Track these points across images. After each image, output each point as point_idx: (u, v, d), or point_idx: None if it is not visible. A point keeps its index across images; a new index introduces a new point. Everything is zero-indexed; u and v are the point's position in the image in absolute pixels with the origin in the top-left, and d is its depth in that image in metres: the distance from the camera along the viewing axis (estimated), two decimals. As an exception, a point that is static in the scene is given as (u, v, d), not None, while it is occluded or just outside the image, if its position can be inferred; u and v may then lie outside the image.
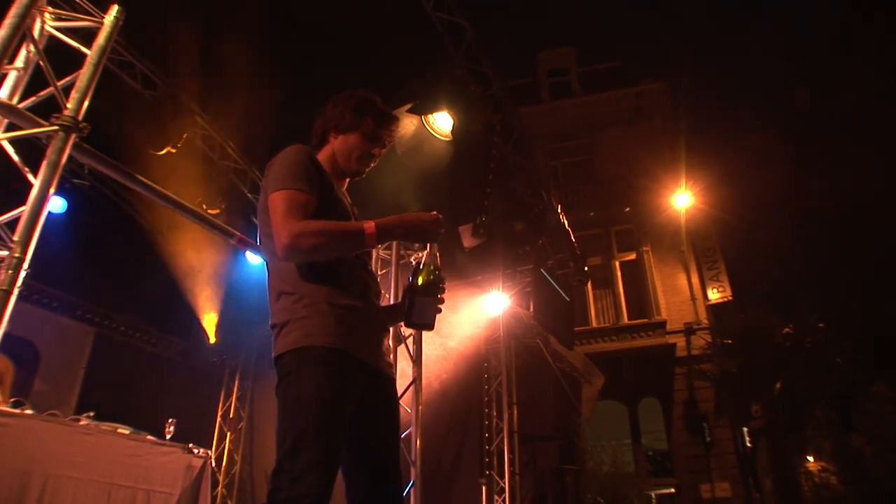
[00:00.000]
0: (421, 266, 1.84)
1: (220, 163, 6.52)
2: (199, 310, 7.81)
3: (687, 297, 14.99)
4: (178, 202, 3.71)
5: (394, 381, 1.94)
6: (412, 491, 4.69)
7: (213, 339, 8.10)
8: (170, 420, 4.20)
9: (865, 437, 14.20)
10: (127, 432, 3.68)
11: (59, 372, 7.29)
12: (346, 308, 1.74)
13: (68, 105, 2.56)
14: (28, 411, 3.33)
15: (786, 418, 13.15)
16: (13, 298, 2.20)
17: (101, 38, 2.76)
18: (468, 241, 6.59)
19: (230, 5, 5.25)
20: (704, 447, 13.22)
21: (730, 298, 14.68)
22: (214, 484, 7.44)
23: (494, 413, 8.24)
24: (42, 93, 2.72)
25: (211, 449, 7.83)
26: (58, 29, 2.86)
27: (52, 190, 2.42)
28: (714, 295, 14.84)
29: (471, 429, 7.94)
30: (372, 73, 4.82)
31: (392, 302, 5.15)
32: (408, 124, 5.58)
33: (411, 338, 5.38)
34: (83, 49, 2.77)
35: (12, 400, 4.06)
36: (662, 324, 14.84)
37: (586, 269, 8.72)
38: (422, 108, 5.62)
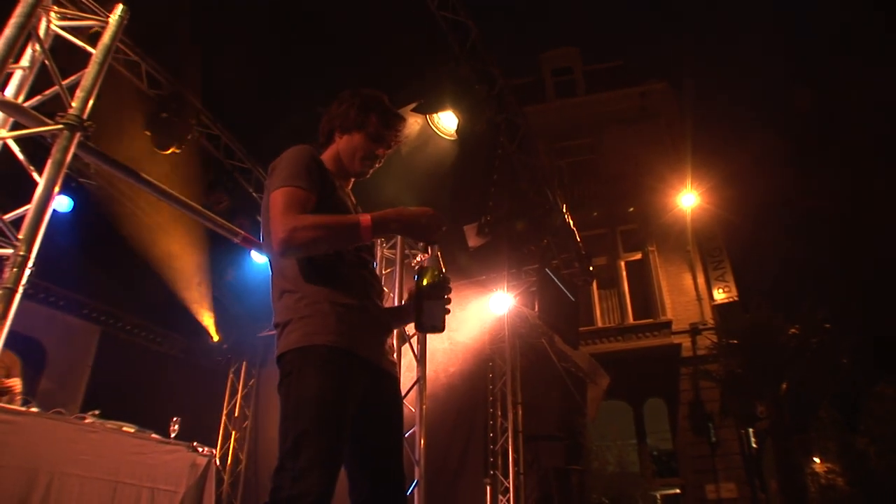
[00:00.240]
0: (424, 269, 1.82)
1: (225, 162, 6.54)
2: (198, 308, 7.84)
3: (692, 297, 14.95)
4: (182, 200, 3.72)
5: (397, 379, 1.93)
6: (416, 490, 4.69)
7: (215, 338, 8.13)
8: (174, 419, 4.22)
9: (869, 438, 14.13)
10: (132, 430, 3.70)
11: (65, 370, 7.32)
12: (347, 307, 1.74)
13: (73, 104, 2.57)
14: (34, 409, 3.35)
15: (791, 419, 13.09)
16: (18, 296, 2.21)
17: (105, 38, 2.76)
18: (473, 241, 6.60)
19: (234, 4, 5.26)
20: (710, 447, 13.18)
21: (735, 298, 14.63)
22: (219, 482, 7.46)
23: (499, 413, 8.23)
24: (47, 92, 2.73)
25: (216, 447, 7.86)
26: (63, 28, 2.87)
27: (56, 188, 2.43)
28: (720, 295, 14.79)
29: (475, 428, 7.93)
30: (376, 72, 4.82)
31: (397, 302, 5.15)
32: (412, 123, 5.58)
33: (416, 337, 5.37)
34: (88, 48, 2.78)
35: (20, 397, 4.09)
36: (668, 324, 14.80)
37: (591, 268, 8.70)
38: (426, 108, 5.62)
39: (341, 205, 1.88)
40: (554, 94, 18.53)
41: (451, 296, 1.85)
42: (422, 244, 1.85)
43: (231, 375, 8.82)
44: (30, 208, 2.36)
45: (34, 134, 2.55)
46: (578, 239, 8.17)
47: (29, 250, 2.26)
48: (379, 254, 5.29)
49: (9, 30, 2.41)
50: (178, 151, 5.61)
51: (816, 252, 19.06)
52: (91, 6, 2.96)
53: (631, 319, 15.25)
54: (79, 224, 6.55)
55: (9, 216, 2.37)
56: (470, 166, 6.28)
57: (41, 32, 2.76)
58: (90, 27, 2.88)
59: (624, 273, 15.90)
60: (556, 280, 7.72)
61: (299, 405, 1.58)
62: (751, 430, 13.52)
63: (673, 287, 15.21)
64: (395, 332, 2.01)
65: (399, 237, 5.28)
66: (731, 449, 13.24)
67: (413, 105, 5.44)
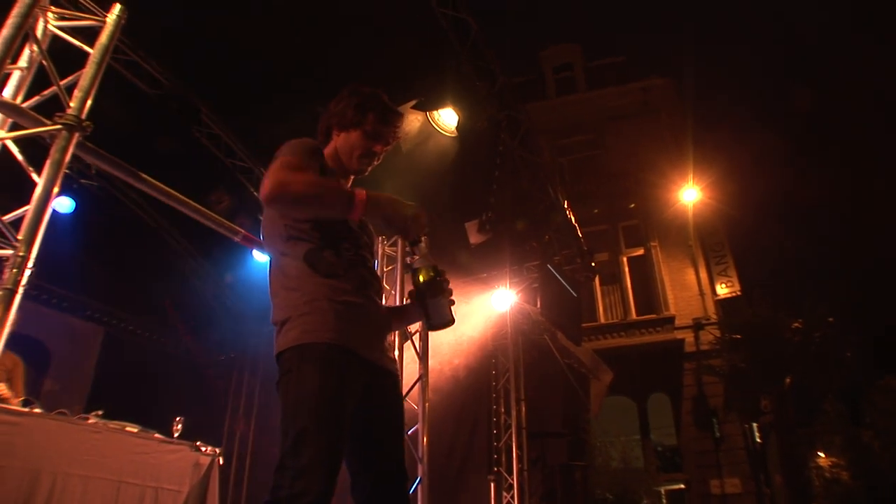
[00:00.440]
0: (417, 269, 1.81)
1: (225, 161, 6.54)
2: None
3: (695, 292, 14.92)
4: (182, 200, 3.71)
5: (397, 377, 1.92)
6: (419, 488, 4.69)
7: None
8: (178, 418, 4.22)
9: (874, 431, 14.11)
10: (135, 430, 3.70)
11: (69, 371, 7.35)
12: (345, 304, 1.73)
13: (71, 104, 2.56)
14: (37, 410, 3.35)
15: (795, 413, 13.07)
16: (18, 297, 2.21)
17: (103, 37, 2.76)
18: (474, 238, 6.59)
19: (235, 4, 5.25)
20: (714, 442, 13.16)
21: (738, 293, 14.60)
22: (223, 482, 7.47)
23: (503, 409, 8.24)
24: (45, 92, 2.73)
25: (220, 447, 7.86)
26: (61, 28, 2.86)
27: (55, 189, 2.43)
28: (722, 290, 14.76)
29: (479, 425, 7.94)
30: (376, 69, 4.81)
31: (398, 301, 5.14)
32: (413, 121, 5.57)
33: (418, 334, 5.37)
34: (86, 48, 2.77)
35: (22, 398, 4.09)
36: (671, 319, 14.78)
37: (593, 264, 8.69)
38: (427, 105, 5.61)
39: None
40: (555, 91, 18.49)
41: (450, 286, 1.84)
42: (410, 243, 1.83)
43: (235, 374, 8.83)
44: (29, 209, 2.36)
45: (33, 134, 2.55)
46: (580, 235, 8.16)
47: (28, 251, 2.26)
48: (380, 252, 5.28)
49: (6, 30, 2.41)
50: (179, 151, 5.60)
51: (819, 246, 19.03)
52: (88, 6, 2.96)
53: (634, 315, 15.23)
54: (81, 225, 6.56)
55: (8, 217, 2.37)
56: (471, 163, 6.28)
57: (38, 33, 2.75)
58: (88, 27, 2.87)
59: (626, 269, 15.87)
60: (558, 276, 7.71)
61: (298, 403, 1.58)
62: (755, 424, 13.50)
63: (675, 282, 15.19)
64: (394, 330, 2.00)
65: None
66: (735, 444, 13.22)
67: (413, 102, 5.43)
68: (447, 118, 5.74)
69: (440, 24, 5.23)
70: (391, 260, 5.44)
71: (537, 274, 7.85)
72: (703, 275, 15.05)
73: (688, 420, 13.91)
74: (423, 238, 1.81)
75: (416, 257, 1.82)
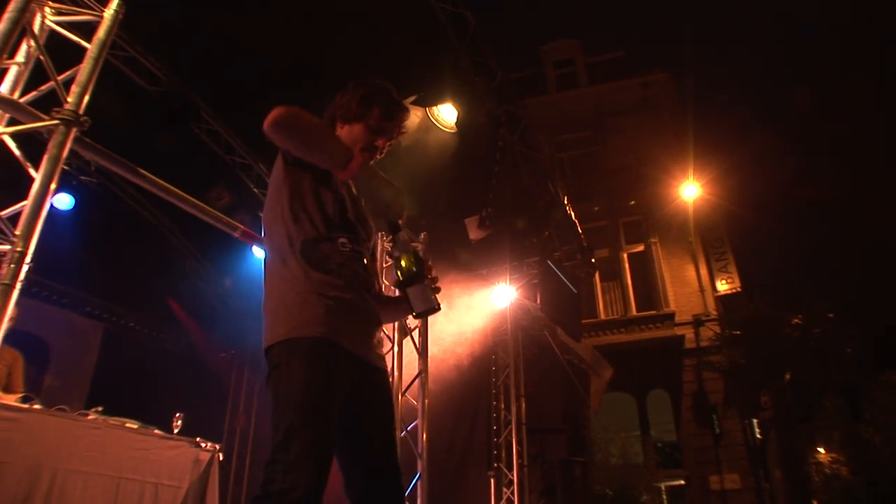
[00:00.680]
0: (396, 258, 1.81)
1: (225, 158, 6.53)
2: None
3: (695, 288, 14.92)
4: (180, 195, 3.71)
5: (386, 373, 1.91)
6: (419, 483, 4.70)
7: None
8: (177, 414, 4.22)
9: (874, 427, 14.12)
10: (135, 426, 3.70)
11: (69, 367, 7.36)
12: (336, 300, 1.72)
13: (69, 99, 2.55)
14: (37, 406, 3.35)
15: (795, 409, 13.08)
16: (15, 292, 2.20)
17: (101, 32, 2.75)
18: (474, 233, 6.59)
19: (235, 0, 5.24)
20: (714, 438, 13.18)
21: (738, 289, 14.60)
22: (223, 478, 7.48)
23: (502, 405, 8.24)
24: (43, 87, 2.72)
25: (220, 443, 7.87)
26: (58, 23, 2.85)
27: (53, 184, 2.42)
28: (722, 286, 14.76)
29: (479, 421, 7.94)
30: (375, 65, 4.80)
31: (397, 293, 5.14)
32: (412, 116, 5.55)
33: (417, 329, 5.37)
34: (83, 43, 2.77)
35: (21, 394, 4.09)
36: (671, 315, 14.78)
37: (593, 260, 8.68)
38: (426, 100, 5.60)
39: (338, 190, 1.87)
40: (555, 87, 18.46)
41: (434, 273, 1.84)
42: (389, 231, 1.82)
43: (235, 371, 8.83)
44: (26, 204, 2.35)
45: (30, 129, 2.54)
46: (580, 231, 8.15)
47: (26, 246, 2.25)
48: (380, 247, 5.27)
49: (2, 25, 2.40)
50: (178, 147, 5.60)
51: (820, 242, 19.02)
52: (86, 1, 2.95)
53: (634, 311, 15.23)
54: (81, 222, 6.56)
55: (6, 212, 2.37)
56: (470, 159, 6.27)
57: (36, 28, 2.74)
58: (85, 22, 2.86)
59: (626, 265, 15.87)
60: (558, 272, 7.71)
61: (287, 397, 1.58)
62: (755, 420, 13.52)
63: (676, 278, 15.19)
64: (383, 325, 1.99)
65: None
66: (734, 440, 13.24)
67: (412, 98, 5.42)
68: (446, 114, 5.73)
69: (438, 19, 5.21)
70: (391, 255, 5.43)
71: (537, 270, 7.85)
72: (704, 271, 15.05)
73: (687, 416, 13.93)
74: (402, 227, 1.81)
75: (394, 246, 1.82)
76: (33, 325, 6.48)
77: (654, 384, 14.77)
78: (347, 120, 1.95)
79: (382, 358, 1.91)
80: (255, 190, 6.73)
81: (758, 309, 13.44)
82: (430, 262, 1.82)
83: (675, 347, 14.38)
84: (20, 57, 2.76)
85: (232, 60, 5.46)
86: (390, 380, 4.82)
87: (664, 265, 15.39)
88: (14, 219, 2.36)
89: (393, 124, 1.96)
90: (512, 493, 7.59)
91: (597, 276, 13.80)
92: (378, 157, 1.99)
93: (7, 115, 2.63)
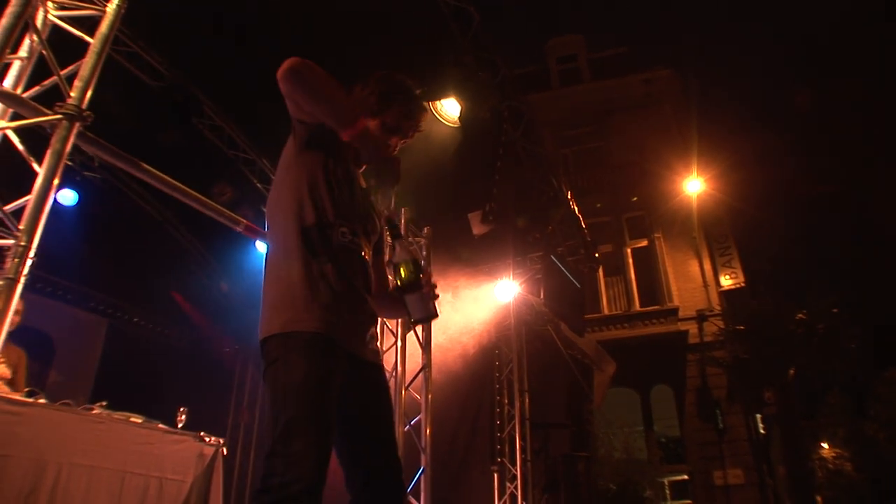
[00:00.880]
0: (395, 265, 1.83)
1: (228, 153, 6.53)
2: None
3: (699, 283, 14.89)
4: (183, 189, 3.71)
5: (381, 369, 1.91)
6: (422, 478, 4.70)
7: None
8: (181, 409, 4.23)
9: (878, 423, 14.10)
10: (139, 421, 3.71)
11: (73, 363, 7.39)
12: (333, 294, 1.72)
13: (72, 94, 2.55)
14: (41, 401, 3.36)
15: (799, 404, 13.06)
16: (20, 287, 2.21)
17: (103, 27, 2.75)
18: (477, 229, 6.58)
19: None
20: (717, 434, 13.17)
21: (742, 285, 14.56)
22: (227, 472, 7.51)
23: (506, 400, 8.25)
24: (46, 82, 2.72)
25: (224, 437, 7.90)
26: (60, 18, 2.85)
27: (56, 179, 2.42)
28: (726, 281, 14.73)
29: (482, 416, 7.95)
30: (378, 59, 4.79)
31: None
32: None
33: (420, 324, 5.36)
34: (86, 38, 2.76)
35: (27, 390, 4.10)
36: (674, 310, 14.75)
37: (597, 255, 8.67)
38: (429, 95, 5.59)
39: (346, 180, 1.87)
40: (559, 82, 18.41)
41: (433, 280, 1.84)
42: (391, 237, 1.86)
43: (239, 366, 8.86)
44: (30, 199, 2.36)
45: (33, 124, 2.55)
46: (584, 226, 8.14)
47: (30, 241, 2.26)
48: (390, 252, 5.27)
49: (5, 19, 2.40)
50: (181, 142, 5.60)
51: (824, 237, 18.95)
52: (89, -5, 2.95)
53: (637, 306, 15.21)
54: (85, 217, 6.58)
55: (9, 207, 2.37)
56: (474, 154, 6.26)
57: (38, 22, 2.74)
58: (88, 17, 2.86)
59: (630, 260, 15.85)
60: (561, 267, 7.70)
61: (287, 392, 1.58)
62: (758, 416, 13.51)
63: (679, 274, 15.16)
64: (383, 320, 2.00)
65: (402, 227, 5.27)
66: (738, 435, 13.23)
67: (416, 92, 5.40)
68: (449, 108, 5.72)
69: (442, 14, 5.20)
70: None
71: (540, 265, 7.84)
72: (707, 266, 15.02)
73: (691, 411, 13.92)
74: (403, 235, 1.82)
75: (395, 252, 1.83)
76: (38, 320, 6.51)
77: (658, 379, 14.76)
78: (363, 114, 1.94)
79: (378, 354, 1.91)
80: (258, 185, 6.73)
81: (762, 304, 13.42)
82: (430, 270, 1.83)
83: (679, 342, 14.36)
84: (23, 52, 2.76)
85: (234, 55, 5.45)
86: (395, 373, 4.85)
87: (668, 260, 15.36)
88: (18, 213, 2.36)
89: (410, 124, 1.96)
90: (515, 487, 7.60)
91: (600, 271, 13.79)
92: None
93: (10, 110, 2.64)
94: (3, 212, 2.33)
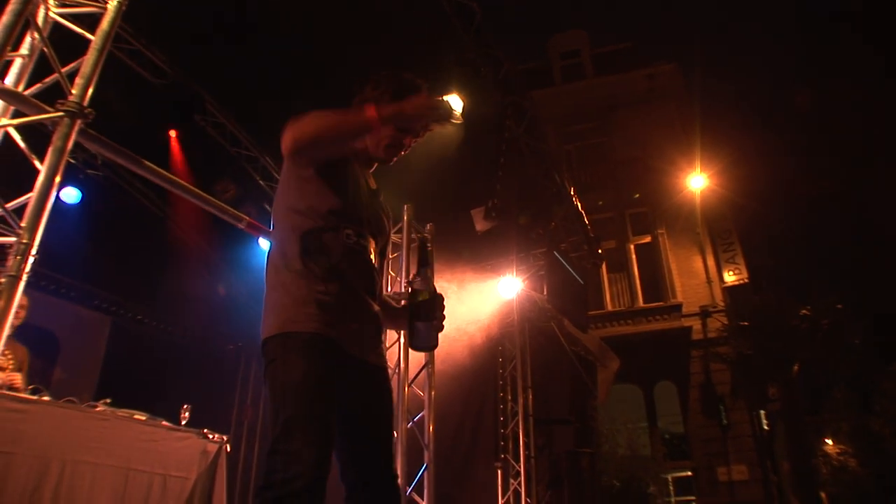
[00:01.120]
0: (416, 291, 1.82)
1: (230, 150, 6.53)
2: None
3: (702, 279, 14.86)
4: (185, 186, 3.71)
5: (385, 370, 1.91)
6: (425, 475, 4.70)
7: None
8: (185, 406, 4.23)
9: (884, 419, 14.05)
10: (143, 418, 3.72)
11: (78, 360, 7.40)
12: (333, 297, 1.72)
13: (73, 91, 2.55)
14: (45, 398, 3.37)
15: (803, 400, 13.02)
16: (22, 284, 2.21)
17: (104, 24, 2.74)
18: (480, 225, 6.57)
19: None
20: (721, 430, 13.15)
21: (746, 280, 14.53)
22: (231, 469, 7.53)
23: (509, 397, 8.24)
24: (47, 79, 2.72)
25: (228, 434, 7.92)
26: (61, 15, 2.85)
27: (58, 176, 2.42)
28: (730, 277, 14.69)
29: (485, 413, 7.95)
30: (380, 55, 4.78)
31: (402, 286, 5.14)
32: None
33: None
34: (87, 35, 2.76)
35: (31, 387, 4.11)
36: (678, 307, 14.72)
37: (600, 251, 8.66)
38: (432, 92, 5.57)
39: (353, 180, 1.86)
40: (561, 78, 18.35)
41: (459, 277, 1.85)
42: (419, 265, 1.86)
43: (242, 363, 8.87)
44: (32, 196, 2.36)
45: (35, 121, 2.54)
46: (587, 222, 8.12)
47: (32, 238, 2.26)
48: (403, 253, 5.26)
49: (6, 17, 2.40)
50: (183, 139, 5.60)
51: (827, 232, 18.89)
52: (90, -8, 2.94)
53: (641, 303, 15.19)
54: (88, 215, 6.59)
55: (11, 204, 2.37)
56: (477, 150, 6.25)
57: (39, 20, 2.74)
58: (89, 14, 2.86)
59: (633, 256, 15.82)
60: (564, 263, 7.68)
61: (286, 391, 1.59)
62: (762, 412, 13.48)
63: (683, 270, 15.12)
64: (385, 328, 2.00)
65: (405, 223, 5.27)
66: (742, 431, 13.21)
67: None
68: (452, 104, 5.70)
69: (444, 10, 5.19)
70: (396, 247, 5.43)
71: (544, 261, 7.83)
72: (711, 262, 14.98)
73: (695, 407, 13.90)
74: (430, 264, 1.84)
75: (420, 279, 1.84)
76: (42, 318, 6.52)
77: (662, 375, 14.73)
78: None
79: (381, 355, 1.90)
80: (260, 182, 6.74)
81: (765, 300, 13.38)
82: (444, 304, 1.84)
83: (683, 339, 14.34)
84: (24, 49, 2.76)
85: (235, 53, 5.46)
86: (398, 370, 4.84)
87: (671, 256, 15.32)
88: (20, 211, 2.36)
89: (422, 124, 1.96)
90: (519, 484, 7.60)
91: (604, 267, 13.77)
92: (402, 153, 1.99)
93: (12, 108, 2.64)
94: (6, 209, 2.33)
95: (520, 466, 7.66)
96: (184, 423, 4.12)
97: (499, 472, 7.61)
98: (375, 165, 2.03)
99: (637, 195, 15.91)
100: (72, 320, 7.40)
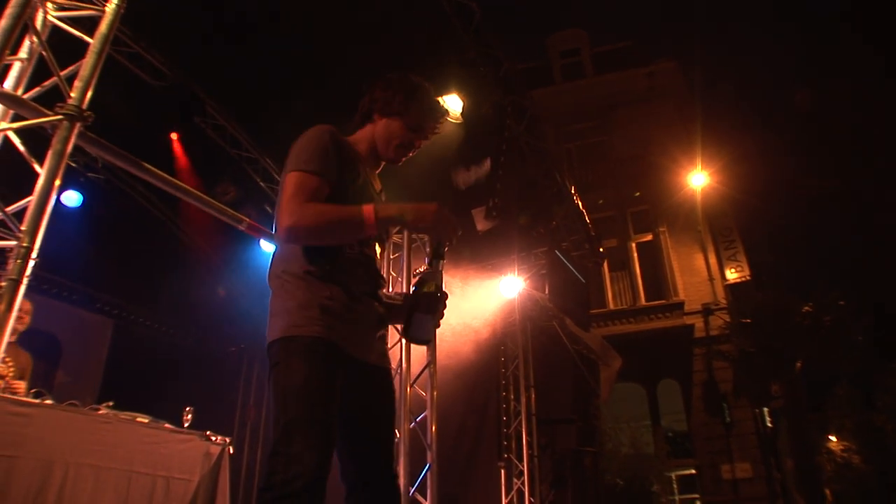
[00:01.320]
0: (422, 281, 1.81)
1: (231, 152, 6.53)
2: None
3: (704, 277, 14.84)
4: (185, 188, 3.71)
5: (388, 372, 1.91)
6: (428, 475, 4.70)
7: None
8: (187, 408, 4.23)
9: (887, 415, 14.04)
10: (146, 420, 3.72)
11: (80, 363, 7.42)
12: (337, 301, 1.73)
13: (72, 94, 2.55)
14: (48, 401, 3.37)
15: (806, 397, 13.01)
16: (22, 288, 2.21)
17: (103, 26, 2.74)
18: (481, 224, 6.55)
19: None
20: (724, 428, 13.14)
21: (748, 278, 14.51)
22: (234, 471, 7.53)
23: (512, 396, 8.24)
24: (46, 83, 2.72)
25: (230, 436, 7.92)
26: (60, 18, 2.85)
27: (58, 179, 2.42)
28: (732, 275, 14.67)
29: (488, 412, 7.95)
30: (380, 55, 4.77)
31: (404, 287, 5.14)
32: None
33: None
34: (86, 38, 2.76)
35: (33, 391, 4.11)
36: (680, 304, 14.72)
37: (602, 250, 8.65)
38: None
39: (362, 193, 1.85)
40: (561, 77, 18.34)
41: (461, 276, 1.85)
42: (433, 255, 1.83)
43: (245, 365, 8.87)
44: (32, 200, 2.36)
45: (34, 125, 2.54)
46: (588, 221, 8.11)
47: (32, 242, 2.26)
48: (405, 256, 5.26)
49: (4, 21, 2.40)
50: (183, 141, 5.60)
51: (829, 229, 18.86)
52: (88, -5, 2.94)
53: (643, 301, 15.18)
54: (89, 219, 6.59)
55: (11, 208, 2.37)
56: (477, 150, 6.24)
57: (38, 23, 2.74)
58: (87, 17, 2.85)
59: (635, 254, 15.81)
60: (566, 262, 7.68)
61: (287, 394, 1.61)
62: (765, 409, 13.46)
63: (684, 267, 15.11)
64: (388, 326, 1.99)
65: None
66: (745, 429, 13.20)
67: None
68: (452, 104, 5.70)
69: (443, 9, 5.18)
70: (397, 247, 5.43)
71: (545, 260, 7.83)
72: (713, 260, 14.97)
73: (698, 405, 13.89)
74: (443, 257, 1.81)
75: (429, 270, 1.82)
76: (45, 322, 6.51)
77: (664, 373, 14.73)
78: (387, 114, 1.96)
79: (384, 357, 1.91)
80: (261, 184, 6.73)
81: (767, 297, 13.36)
82: (446, 300, 1.82)
83: (685, 336, 14.33)
84: (23, 53, 2.76)
85: (235, 54, 5.45)
86: (400, 370, 4.84)
87: (673, 254, 15.31)
88: (20, 215, 2.36)
89: (432, 125, 1.98)
90: (522, 483, 7.60)
91: (605, 265, 13.78)
92: (411, 154, 2.01)
93: (11, 112, 2.64)
94: (5, 213, 2.32)
95: (523, 466, 7.66)
96: (186, 425, 4.12)
97: (502, 471, 7.61)
98: (383, 165, 2.04)
99: (638, 193, 15.90)
100: (74, 323, 7.41)
